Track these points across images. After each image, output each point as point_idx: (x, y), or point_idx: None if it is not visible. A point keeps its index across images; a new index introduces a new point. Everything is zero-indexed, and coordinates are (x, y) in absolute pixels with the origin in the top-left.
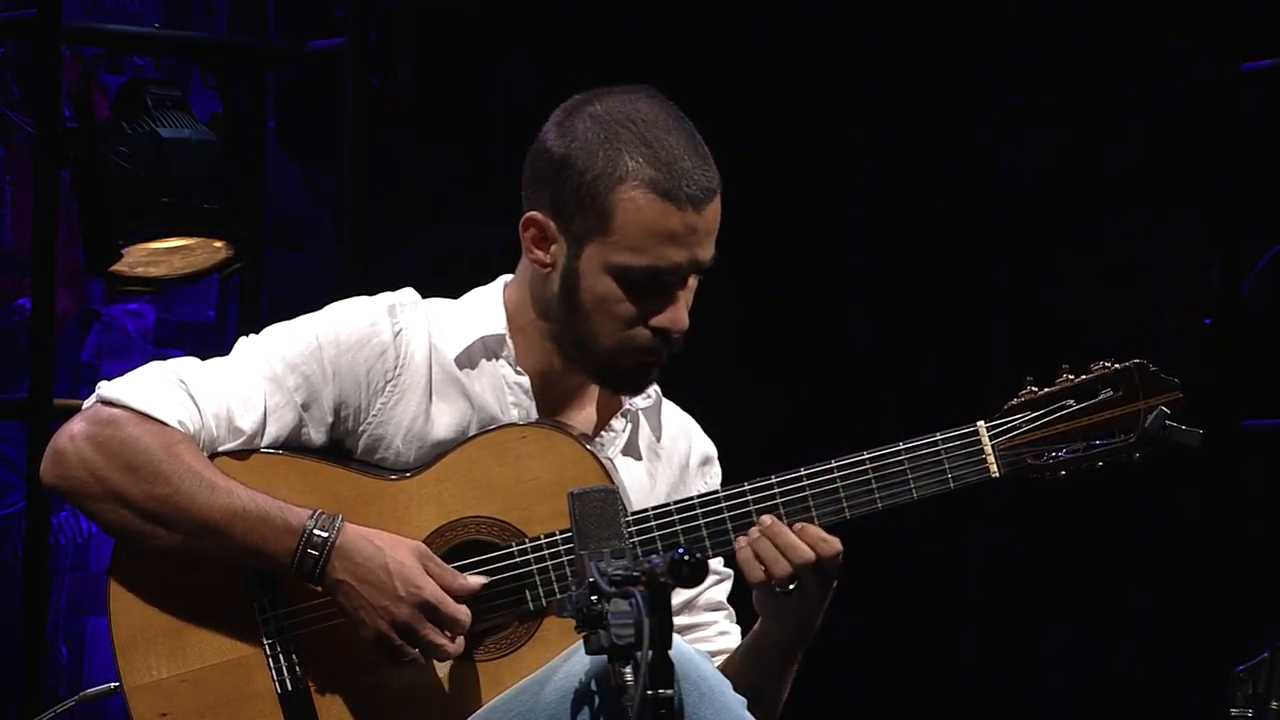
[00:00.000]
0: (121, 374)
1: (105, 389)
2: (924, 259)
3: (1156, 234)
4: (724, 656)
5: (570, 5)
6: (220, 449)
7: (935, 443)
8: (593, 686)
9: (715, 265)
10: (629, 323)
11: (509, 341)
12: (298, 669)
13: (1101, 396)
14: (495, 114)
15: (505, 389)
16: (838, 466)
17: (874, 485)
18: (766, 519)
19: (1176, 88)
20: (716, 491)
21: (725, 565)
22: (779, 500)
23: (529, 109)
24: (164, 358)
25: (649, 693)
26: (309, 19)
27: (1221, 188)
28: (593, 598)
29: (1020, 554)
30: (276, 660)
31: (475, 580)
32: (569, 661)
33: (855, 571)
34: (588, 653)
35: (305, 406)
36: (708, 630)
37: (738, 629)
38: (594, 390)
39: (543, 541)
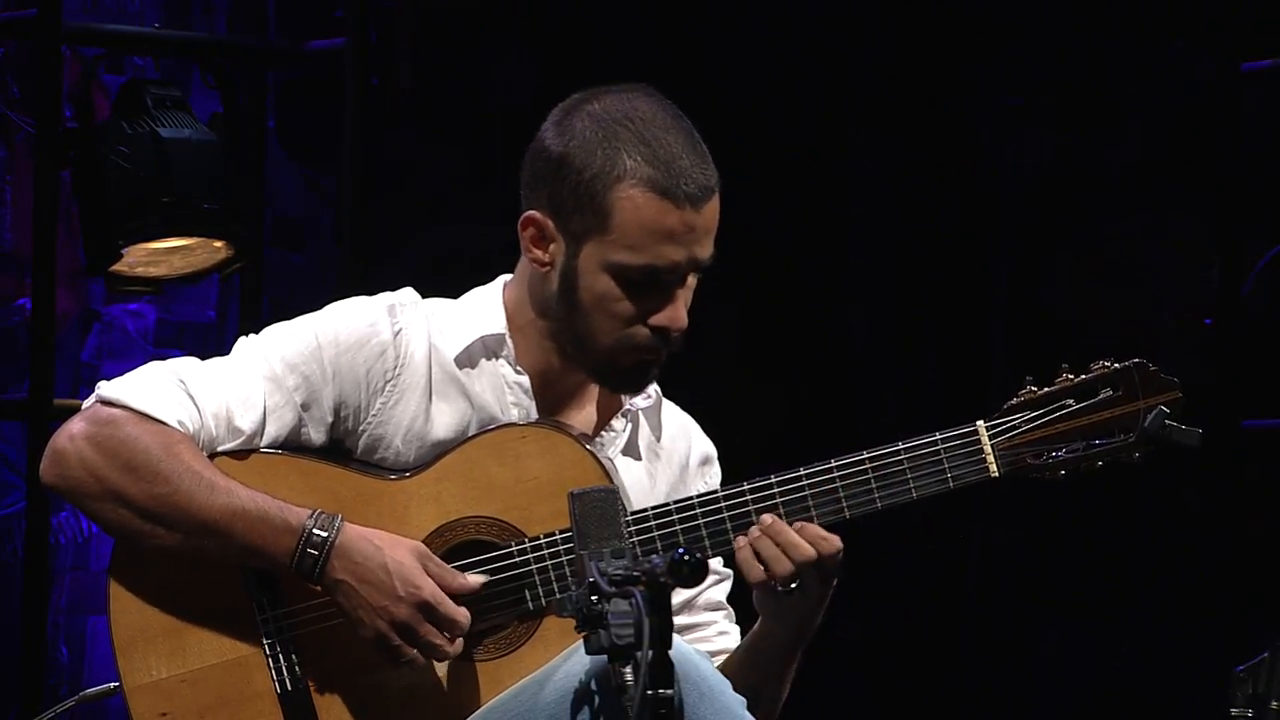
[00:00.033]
0: (121, 374)
1: (105, 389)
2: (924, 259)
3: (1156, 234)
4: (724, 656)
5: (570, 5)
6: (220, 449)
7: (935, 442)
8: (593, 686)
9: (715, 265)
10: (628, 321)
11: (509, 341)
12: (297, 669)
13: (1101, 396)
14: (495, 114)
15: (505, 389)
16: (837, 466)
17: (873, 485)
18: (767, 518)
19: (1176, 88)
20: (716, 491)
21: (725, 565)
22: (778, 500)
23: (529, 109)
24: (164, 358)
25: (649, 693)
26: (309, 19)
27: (1221, 188)
28: (593, 598)
29: (1020, 554)
30: (276, 660)
31: (475, 580)
32: (569, 661)
33: (855, 571)
34: (588, 652)
35: (305, 406)
36: (707, 630)
37: (737, 629)
38: (594, 390)
39: (542, 541)
